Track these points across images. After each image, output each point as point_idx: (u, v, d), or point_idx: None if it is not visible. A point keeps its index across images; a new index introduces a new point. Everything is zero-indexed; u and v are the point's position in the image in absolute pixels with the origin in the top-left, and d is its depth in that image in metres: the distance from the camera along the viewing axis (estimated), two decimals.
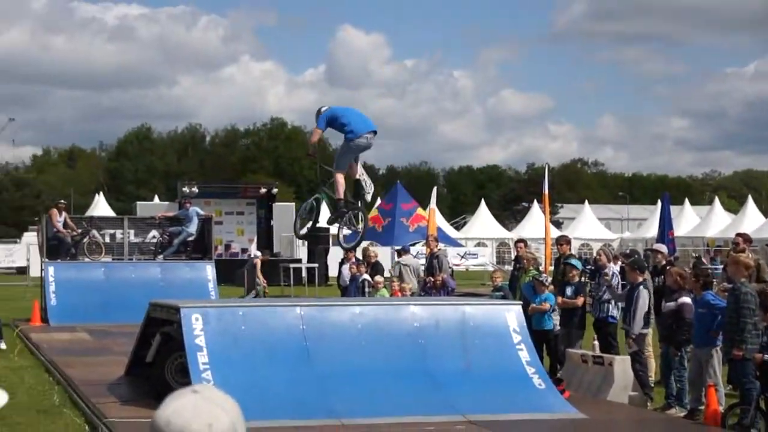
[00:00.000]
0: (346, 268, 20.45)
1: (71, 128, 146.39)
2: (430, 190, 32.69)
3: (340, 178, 11.34)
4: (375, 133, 10.93)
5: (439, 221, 43.19)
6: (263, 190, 37.41)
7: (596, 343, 12.01)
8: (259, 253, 26.97)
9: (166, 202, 39.74)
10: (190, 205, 22.64)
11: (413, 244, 40.16)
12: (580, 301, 12.44)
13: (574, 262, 13.25)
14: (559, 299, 12.52)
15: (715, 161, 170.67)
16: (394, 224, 38.97)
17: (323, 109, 11.03)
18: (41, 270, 20.82)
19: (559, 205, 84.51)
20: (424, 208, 42.06)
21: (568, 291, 12.48)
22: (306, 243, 36.54)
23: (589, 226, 61.23)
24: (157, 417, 1.60)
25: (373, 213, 39.30)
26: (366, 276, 18.63)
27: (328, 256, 35.95)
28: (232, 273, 31.51)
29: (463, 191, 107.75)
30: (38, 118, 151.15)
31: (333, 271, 29.38)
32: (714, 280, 13.31)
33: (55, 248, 20.82)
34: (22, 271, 41.20)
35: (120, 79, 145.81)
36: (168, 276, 20.84)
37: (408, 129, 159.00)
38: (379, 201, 49.09)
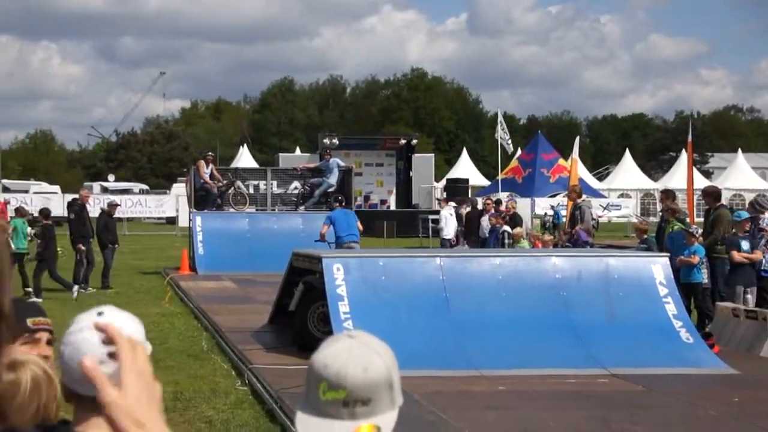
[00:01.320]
0: (485, 219, 20.32)
1: (218, 81, 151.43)
2: (571, 140, 31.87)
3: None
4: None
5: (581, 172, 42.15)
6: (403, 142, 37.53)
7: (749, 296, 11.45)
8: None
9: (308, 154, 40.64)
10: (331, 157, 22.96)
11: (554, 195, 39.47)
12: (757, 255, 11.85)
13: (743, 213, 12.60)
14: (736, 255, 11.89)
15: None
16: (534, 175, 38.29)
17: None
18: (189, 220, 21.65)
19: (710, 154, 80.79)
20: (566, 159, 41.16)
21: (744, 245, 11.85)
22: (444, 193, 36.48)
23: (742, 175, 58.31)
24: (315, 360, 1.63)
25: (513, 164, 38.80)
26: (506, 227, 18.42)
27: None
28: (372, 224, 31.91)
29: (606, 141, 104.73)
30: (187, 71, 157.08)
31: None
32: None
33: (202, 199, 21.57)
34: (172, 221, 43.19)
35: (265, 31, 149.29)
36: (309, 226, 21.26)
37: (550, 77, 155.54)
38: (519, 151, 48.31)
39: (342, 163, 23.04)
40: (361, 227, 18.09)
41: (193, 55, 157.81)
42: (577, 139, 30.37)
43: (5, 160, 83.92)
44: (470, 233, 22.36)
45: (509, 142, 36.24)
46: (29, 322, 2.58)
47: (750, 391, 8.38)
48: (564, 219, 28.78)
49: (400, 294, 9.73)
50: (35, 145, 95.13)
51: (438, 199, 25.53)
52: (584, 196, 19.74)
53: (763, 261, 11.64)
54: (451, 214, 23.41)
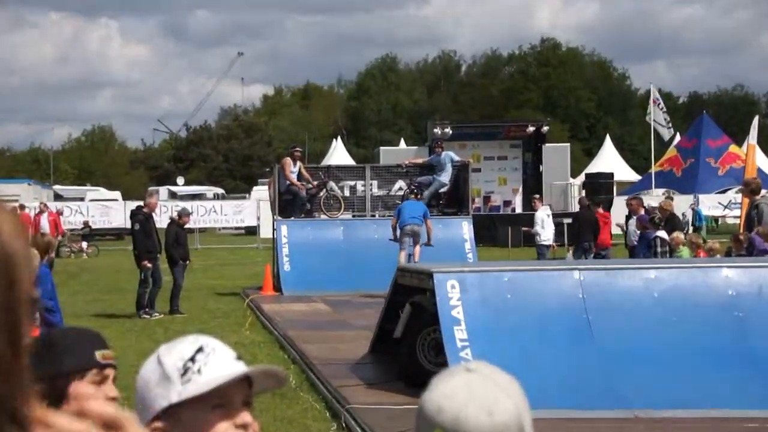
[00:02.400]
0: (633, 223, 19.96)
1: (306, 62, 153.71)
2: (747, 122, 30.98)
3: None
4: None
5: (761, 161, 40.90)
6: (531, 129, 37.28)
7: None
8: None
9: (414, 147, 40.81)
10: (443, 150, 22.96)
11: (724, 191, 38.45)
12: None
13: None
14: None
15: None
16: (697, 166, 37.47)
17: None
18: (273, 230, 21.99)
19: None
20: (740, 145, 39.91)
21: None
22: (583, 191, 36.01)
23: None
24: (426, 402, 1.61)
25: (671, 153, 38.04)
26: (660, 232, 18.00)
27: (611, 208, 35.22)
28: (493, 230, 31.77)
29: None
30: (269, 51, 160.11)
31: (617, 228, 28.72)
32: None
33: (288, 204, 21.89)
34: (252, 231, 44.10)
35: None
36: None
37: (716, 44, 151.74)
38: (677, 138, 47.23)
39: (456, 158, 23.05)
40: (431, 226, 19.32)
41: (276, 31, 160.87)
42: (756, 119, 29.47)
43: (57, 162, 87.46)
44: (581, 239, 22.11)
45: (669, 124, 35.54)
46: (98, 355, 2.47)
47: None
48: (705, 221, 28.15)
49: (531, 316, 9.65)
50: (92, 144, 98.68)
51: (532, 198, 25.38)
52: (764, 192, 19.14)
53: None
54: (549, 215, 23.33)
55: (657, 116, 37.02)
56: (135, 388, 1.84)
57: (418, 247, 19.43)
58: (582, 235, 22.34)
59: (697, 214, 31.44)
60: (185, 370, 1.81)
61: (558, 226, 30.30)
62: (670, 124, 35.30)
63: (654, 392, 8.98)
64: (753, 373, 9.16)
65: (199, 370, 1.80)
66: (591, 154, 75.46)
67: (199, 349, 1.82)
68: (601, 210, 23.64)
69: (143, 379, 1.84)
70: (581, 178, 47.10)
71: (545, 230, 22.88)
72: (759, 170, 31.65)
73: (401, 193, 22.59)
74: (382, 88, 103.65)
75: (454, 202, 22.71)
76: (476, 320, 9.45)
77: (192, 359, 1.81)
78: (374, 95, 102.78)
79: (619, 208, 33.74)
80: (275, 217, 21.80)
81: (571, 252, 22.28)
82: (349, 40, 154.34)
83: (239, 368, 1.82)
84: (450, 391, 1.59)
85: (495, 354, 8.95)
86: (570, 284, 9.82)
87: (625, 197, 36.50)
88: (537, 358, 9.22)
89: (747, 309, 9.63)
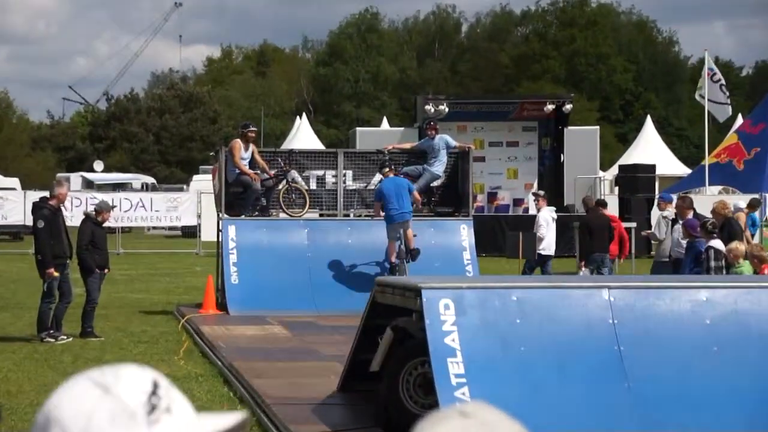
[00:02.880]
0: (678, 230, 20.05)
1: (263, 18, 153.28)
2: None
3: None
4: None
5: None
6: (549, 107, 37.45)
7: None
8: None
9: (400, 128, 40.89)
10: (436, 133, 22.93)
11: None
12: None
13: None
14: None
15: None
16: (765, 158, 37.49)
17: None
18: (218, 231, 22.05)
19: None
20: None
21: None
22: (617, 188, 36.11)
23: None
24: None
25: (730, 140, 38.15)
26: (715, 242, 18.07)
27: (651, 210, 35.38)
28: (499, 237, 31.80)
29: None
30: (216, 2, 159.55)
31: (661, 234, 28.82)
32: None
33: (238, 198, 21.89)
34: (191, 232, 44.02)
35: None
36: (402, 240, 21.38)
37: None
38: (739, 120, 47.56)
39: (453, 142, 23.03)
40: (418, 197, 19.78)
41: None
42: None
43: None
44: (590, 249, 22.24)
45: (728, 100, 35.39)
46: None
47: None
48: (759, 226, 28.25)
49: (546, 347, 9.71)
50: None
51: (535, 195, 25.57)
52: None
53: None
54: (553, 219, 23.41)
55: (712, 92, 37.12)
56: (47, 428, 1.72)
57: (411, 231, 19.81)
58: (593, 244, 22.42)
59: (749, 218, 31.51)
60: (152, 408, 1.70)
61: (567, 233, 30.46)
62: (730, 102, 35.36)
63: None
64: None
65: (168, 409, 1.71)
66: (627, 140, 75.87)
67: (155, 382, 1.73)
68: (606, 212, 23.88)
69: (79, 417, 1.69)
70: (614, 170, 47.29)
71: (548, 236, 23.07)
72: None
73: None
74: (359, 53, 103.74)
75: (450, 199, 22.74)
76: (476, 351, 9.48)
77: (155, 392, 1.71)
78: (350, 61, 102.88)
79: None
80: (221, 215, 21.81)
81: (584, 268, 22.38)
82: None
83: (231, 416, 1.74)
84: None
85: (499, 394, 9.00)
86: (597, 306, 9.87)
87: (672, 196, 36.63)
88: (555, 400, 9.26)
89: None
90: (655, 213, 35.03)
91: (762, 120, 38.58)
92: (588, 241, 22.67)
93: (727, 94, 35.41)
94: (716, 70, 36.01)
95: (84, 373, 1.73)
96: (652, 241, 22.46)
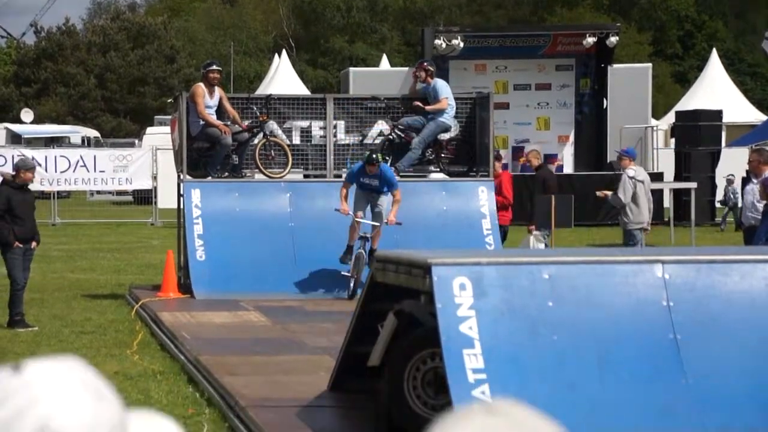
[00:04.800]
0: (752, 191, 20.11)
1: None
2: None
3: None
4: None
5: None
6: (590, 40, 37.35)
7: None
8: None
9: (404, 69, 40.75)
10: (429, 77, 22.73)
11: None
12: None
13: None
14: None
15: None
16: None
17: None
18: (179, 197, 22.07)
19: None
20: None
21: None
22: (674, 142, 36.11)
23: None
24: None
25: None
26: None
27: (716, 168, 35.46)
28: (529, 201, 31.86)
29: None
30: None
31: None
32: None
33: (203, 156, 21.88)
34: (144, 197, 43.94)
35: None
36: (407, 207, 21.31)
37: None
38: None
39: (445, 94, 22.70)
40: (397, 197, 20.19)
41: None
42: None
43: None
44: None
45: None
46: None
47: None
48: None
49: (585, 336, 9.73)
50: None
51: (618, 153, 25.54)
52: None
53: None
54: (641, 181, 23.28)
55: None
56: None
57: (395, 207, 20.18)
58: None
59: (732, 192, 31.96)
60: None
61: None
62: None
63: None
64: None
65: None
66: (687, 80, 75.79)
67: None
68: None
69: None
70: (670, 118, 47.35)
71: (639, 203, 22.93)
72: None
73: (381, 139, 22.53)
74: None
75: (465, 156, 22.71)
76: (499, 340, 9.52)
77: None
78: None
79: (729, 165, 34.06)
80: (182, 176, 21.78)
81: (533, 234, 22.43)
82: None
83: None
84: None
85: (527, 393, 9.05)
86: (649, 285, 9.90)
87: (742, 149, 36.74)
88: (594, 400, 9.32)
89: None
90: (721, 172, 35.24)
91: None
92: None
93: None
94: None
95: None
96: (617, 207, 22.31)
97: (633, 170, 22.43)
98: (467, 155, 22.72)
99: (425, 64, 23.65)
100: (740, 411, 9.38)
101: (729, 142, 43.63)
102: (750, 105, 57.46)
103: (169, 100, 28.53)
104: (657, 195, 32.59)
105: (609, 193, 23.31)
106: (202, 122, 21.61)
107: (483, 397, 9.07)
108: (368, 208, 20.29)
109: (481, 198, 21.70)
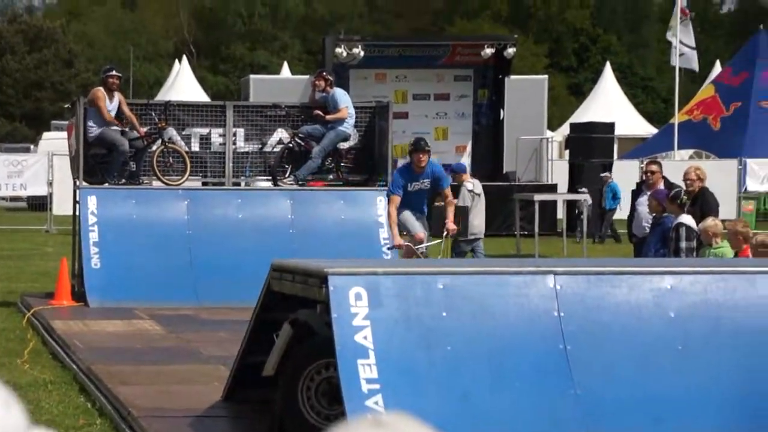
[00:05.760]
0: (644, 203, 20.30)
1: None
2: None
3: None
4: None
5: None
6: (488, 51, 37.54)
7: None
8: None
9: (305, 77, 40.74)
10: (328, 85, 22.75)
11: None
12: None
13: None
14: None
15: None
16: (747, 115, 38.02)
17: None
18: (74, 203, 21.86)
19: None
20: None
21: None
22: (568, 153, 36.39)
23: None
24: None
25: (706, 93, 38.63)
26: (685, 218, 18.38)
27: (608, 181, 35.80)
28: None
29: None
30: None
31: (620, 210, 29.30)
32: None
33: (101, 162, 21.71)
34: (39, 204, 43.56)
35: None
36: (305, 215, 21.39)
37: None
38: (717, 69, 48.24)
39: (345, 104, 22.73)
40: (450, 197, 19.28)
41: None
42: None
43: None
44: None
45: (689, 49, 35.61)
46: None
47: None
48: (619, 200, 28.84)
49: (479, 346, 9.77)
50: None
51: (451, 169, 26.08)
52: None
53: None
54: (478, 194, 23.62)
55: (685, 35, 37.44)
56: None
57: (450, 211, 19.49)
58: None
59: (609, 188, 32.28)
60: None
61: (526, 207, 30.68)
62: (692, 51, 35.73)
63: None
64: None
65: None
66: (581, 92, 76.45)
67: None
68: None
69: None
70: (564, 130, 47.70)
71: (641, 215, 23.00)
72: None
73: (280, 148, 22.48)
74: None
75: (364, 165, 22.75)
76: (393, 351, 9.52)
77: None
78: None
79: (622, 179, 34.36)
80: (78, 182, 21.61)
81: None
82: None
83: None
84: None
85: (420, 404, 9.08)
86: (541, 295, 9.95)
87: (633, 161, 37.04)
88: (486, 410, 9.35)
89: None
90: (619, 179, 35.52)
91: (744, 68, 39.05)
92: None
93: (689, 41, 35.85)
94: (688, 8, 36.43)
95: None
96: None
97: (471, 183, 23.14)
98: (366, 164, 22.76)
99: (325, 73, 23.73)
100: (627, 419, 9.47)
101: (621, 154, 44.04)
102: (641, 118, 58.07)
103: (66, 105, 28.33)
104: (550, 206, 32.93)
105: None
106: (98, 129, 21.46)
107: (376, 407, 9.07)
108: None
109: (379, 207, 21.71)
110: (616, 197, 33.16)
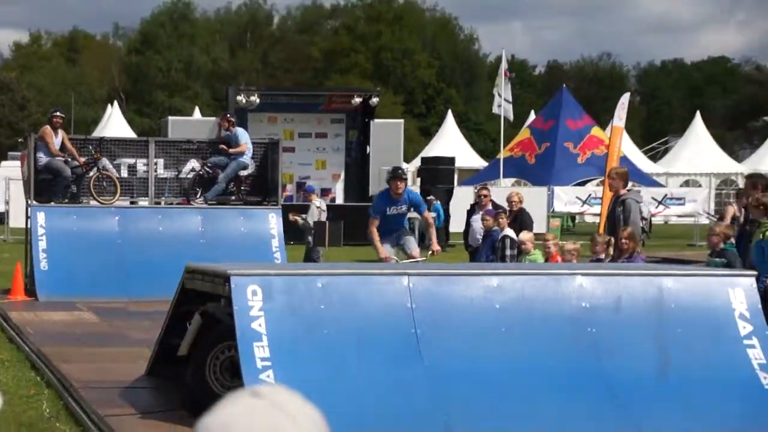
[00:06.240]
0: (477, 219, 20.53)
1: (72, 3, 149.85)
2: (613, 99, 32.21)
3: None
4: None
5: (627, 147, 42.48)
6: (357, 100, 37.61)
7: None
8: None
9: (212, 118, 40.49)
10: (231, 126, 22.86)
11: (584, 183, 39.67)
12: None
13: None
14: None
15: None
16: (554, 153, 38.58)
17: None
18: (27, 217, 21.51)
19: None
20: (603, 127, 41.46)
21: None
22: (419, 181, 36.63)
23: None
24: (199, 428, 1.69)
25: (523, 135, 39.13)
26: (509, 231, 18.61)
27: (450, 201, 36.00)
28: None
29: (665, 100, 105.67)
30: None
31: (458, 225, 29.43)
32: None
33: (47, 185, 21.45)
34: None
35: None
36: (212, 229, 21.31)
37: (582, 3, 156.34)
38: (531, 117, 48.81)
39: (244, 140, 22.70)
40: (429, 219, 18.18)
41: None
42: (625, 97, 30.45)
43: None
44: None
45: (507, 103, 36.12)
46: None
47: None
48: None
49: (349, 331, 9.77)
50: None
51: (305, 188, 26.76)
52: (631, 185, 20.01)
53: None
54: (324, 210, 24.04)
55: (506, 91, 37.87)
56: None
57: (432, 232, 18.08)
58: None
59: (435, 207, 32.48)
60: None
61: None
62: (507, 103, 36.15)
63: (490, 420, 9.25)
64: (606, 400, 9.59)
65: None
66: (429, 133, 76.87)
67: None
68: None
69: None
70: (417, 162, 47.88)
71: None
72: (624, 159, 32.91)
73: (192, 175, 22.46)
74: (172, 42, 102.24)
75: (259, 188, 22.73)
76: (282, 335, 9.51)
77: None
78: (162, 50, 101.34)
79: (460, 201, 34.62)
80: (30, 201, 21.33)
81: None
82: None
83: None
84: (227, 419, 1.67)
85: (303, 376, 9.08)
86: (397, 292, 10.00)
87: (469, 187, 37.27)
88: (354, 379, 9.35)
89: (601, 325, 10.05)
90: (455, 204, 35.75)
91: (552, 117, 39.69)
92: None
93: (507, 96, 36.32)
94: (507, 68, 36.88)
95: None
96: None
97: (318, 201, 23.82)
98: (261, 188, 22.77)
99: (228, 115, 23.78)
100: (463, 385, 9.52)
101: (459, 181, 44.36)
102: (475, 153, 58.52)
103: (20, 140, 27.83)
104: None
105: (299, 218, 24.41)
106: (47, 158, 21.28)
107: (268, 380, 9.08)
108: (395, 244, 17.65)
109: (271, 222, 21.77)
110: (439, 215, 33.27)
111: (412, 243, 17.44)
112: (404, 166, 41.39)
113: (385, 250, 16.71)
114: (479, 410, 9.35)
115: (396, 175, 16.99)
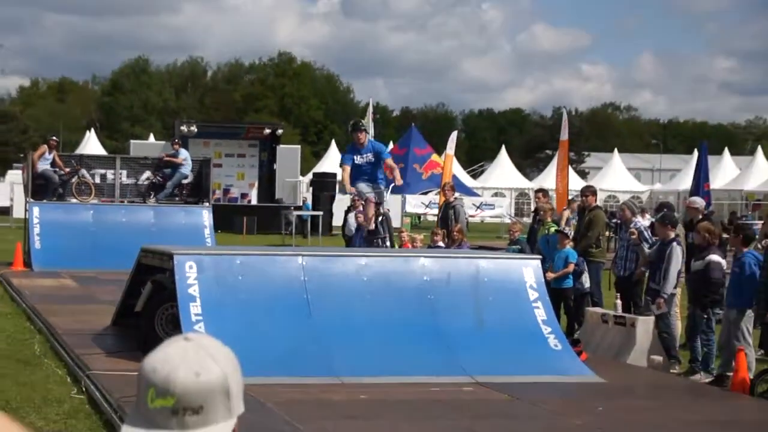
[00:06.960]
0: (352, 216, 20.50)
1: (63, 58, 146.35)
2: (446, 135, 32.41)
3: None
4: None
5: (455, 169, 43.00)
6: (267, 131, 37.28)
7: (618, 302, 11.98)
8: None
9: (162, 142, 39.72)
10: (180, 146, 22.89)
11: (426, 192, 39.98)
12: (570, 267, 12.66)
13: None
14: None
15: (761, 107, 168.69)
16: (406, 171, 38.78)
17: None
18: (25, 211, 20.96)
19: (586, 153, 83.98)
20: (440, 154, 41.79)
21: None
22: (311, 189, 36.43)
23: (618, 176, 60.98)
24: (145, 363, 1.63)
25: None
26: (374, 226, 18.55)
27: (333, 203, 35.92)
28: (230, 219, 31.65)
29: (482, 137, 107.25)
30: (28, 45, 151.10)
31: (338, 220, 29.44)
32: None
33: (41, 188, 20.93)
34: (5, 211, 41.54)
35: (118, 3, 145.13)
36: (161, 221, 20.96)
37: (426, 67, 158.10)
38: (391, 145, 48.91)
39: (185, 156, 22.47)
40: (389, 162, 13.34)
41: (34, 27, 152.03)
42: (455, 134, 30.90)
43: None
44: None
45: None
46: None
47: (614, 399, 8.76)
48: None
49: (259, 295, 9.68)
50: None
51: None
52: (457, 194, 20.20)
53: (633, 265, 12.22)
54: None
55: (371, 128, 38.02)
56: None
57: (396, 172, 13.41)
58: None
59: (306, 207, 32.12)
60: None
61: (287, 219, 30.60)
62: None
63: (359, 362, 9.23)
64: (440, 347, 9.65)
65: None
66: (318, 155, 76.56)
67: None
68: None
69: None
70: (309, 176, 47.68)
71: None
72: (454, 176, 33.30)
73: (147, 182, 22.17)
74: (134, 87, 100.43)
75: (196, 192, 22.46)
76: (210, 298, 9.40)
77: None
78: (127, 93, 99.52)
79: (339, 203, 34.54)
80: (28, 199, 20.81)
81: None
82: (104, 41, 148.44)
83: None
84: (165, 355, 1.63)
85: (225, 328, 8.96)
86: (294, 267, 9.95)
87: (347, 195, 37.15)
88: (263, 332, 9.27)
89: (437, 292, 10.12)
90: (336, 206, 35.63)
91: (405, 146, 39.91)
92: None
93: (369, 133, 36.58)
94: (373, 111, 37.01)
95: None
96: None
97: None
98: (198, 192, 22.48)
99: (176, 139, 23.55)
100: (341, 337, 9.50)
101: (340, 189, 44.30)
102: None
103: (21, 155, 27.06)
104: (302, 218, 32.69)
105: None
106: (41, 168, 20.85)
107: (200, 330, 8.94)
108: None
109: (204, 217, 21.50)
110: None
111: (381, 196, 13.53)
112: (300, 178, 41.20)
113: (358, 187, 13.30)
114: (351, 354, 9.32)
115: (355, 128, 13.37)
